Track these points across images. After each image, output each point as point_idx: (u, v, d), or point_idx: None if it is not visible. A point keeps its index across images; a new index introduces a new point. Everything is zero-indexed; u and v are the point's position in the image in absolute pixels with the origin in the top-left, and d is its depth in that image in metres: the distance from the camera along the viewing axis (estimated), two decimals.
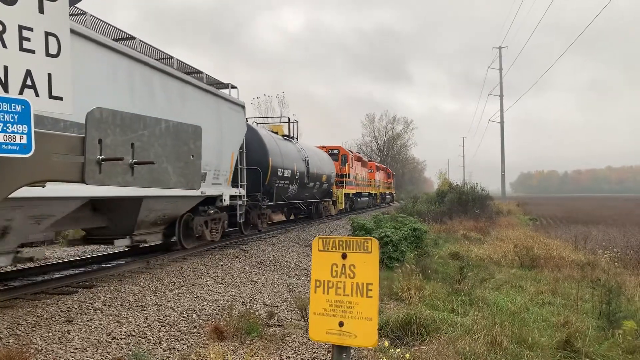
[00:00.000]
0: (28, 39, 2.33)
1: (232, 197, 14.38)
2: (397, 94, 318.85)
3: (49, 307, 7.72)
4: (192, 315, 7.74)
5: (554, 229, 26.26)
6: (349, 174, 31.89)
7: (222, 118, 13.63)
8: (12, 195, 2.46)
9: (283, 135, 22.40)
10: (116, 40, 9.95)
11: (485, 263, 13.43)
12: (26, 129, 2.27)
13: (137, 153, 2.91)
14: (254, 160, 17.18)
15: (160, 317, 7.51)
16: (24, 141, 2.28)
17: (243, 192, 15.11)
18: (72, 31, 8.40)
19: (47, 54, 2.41)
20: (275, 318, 7.69)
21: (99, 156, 2.69)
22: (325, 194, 27.52)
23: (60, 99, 2.49)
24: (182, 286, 9.71)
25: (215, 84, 13.97)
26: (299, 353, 6.25)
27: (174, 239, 12.68)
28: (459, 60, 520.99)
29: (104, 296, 8.52)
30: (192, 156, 3.85)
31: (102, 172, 2.73)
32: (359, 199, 36.21)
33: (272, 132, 21.06)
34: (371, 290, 3.42)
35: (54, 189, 7.78)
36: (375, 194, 44.66)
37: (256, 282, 10.64)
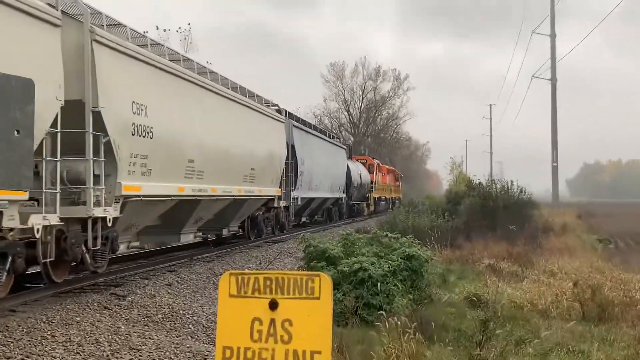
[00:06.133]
0: None
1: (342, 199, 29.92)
2: (305, 26, 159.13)
3: None
4: None
5: (638, 256, 17.58)
6: (375, 181, 38.60)
7: (344, 159, 30.77)
8: None
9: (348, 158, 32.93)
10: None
11: (525, 313, 9.33)
12: None
13: None
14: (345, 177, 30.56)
15: None
16: None
17: (345, 196, 30.15)
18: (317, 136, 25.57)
19: None
20: None
21: None
22: (364, 198, 36.48)
23: None
24: None
25: (338, 138, 34.32)
26: None
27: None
28: None
29: None
30: (18, 132, 2.31)
31: None
32: (380, 203, 40.75)
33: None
34: None
35: None
36: (388, 198, 45.11)
37: (139, 350, 6.78)
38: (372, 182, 37.58)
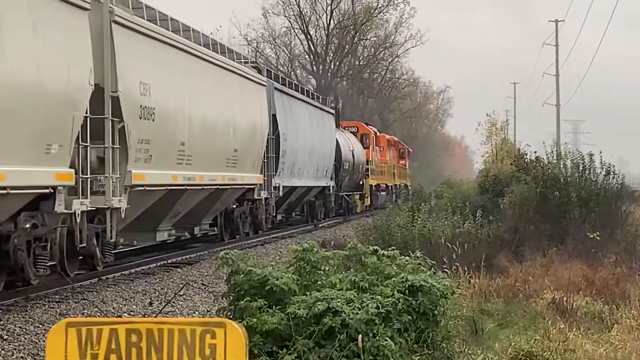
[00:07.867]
0: None
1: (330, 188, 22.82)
2: None
3: None
4: None
5: None
6: (372, 160, 27.64)
7: (332, 130, 22.72)
8: None
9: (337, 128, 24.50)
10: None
11: None
12: None
13: None
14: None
15: None
16: None
17: (333, 183, 22.68)
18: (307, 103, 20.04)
19: None
20: None
21: None
22: (357, 186, 26.68)
23: None
24: None
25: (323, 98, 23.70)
26: None
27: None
28: None
29: None
30: None
31: None
32: (379, 193, 29.71)
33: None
34: None
35: None
36: (390, 185, 32.73)
37: None
38: (367, 162, 26.87)
